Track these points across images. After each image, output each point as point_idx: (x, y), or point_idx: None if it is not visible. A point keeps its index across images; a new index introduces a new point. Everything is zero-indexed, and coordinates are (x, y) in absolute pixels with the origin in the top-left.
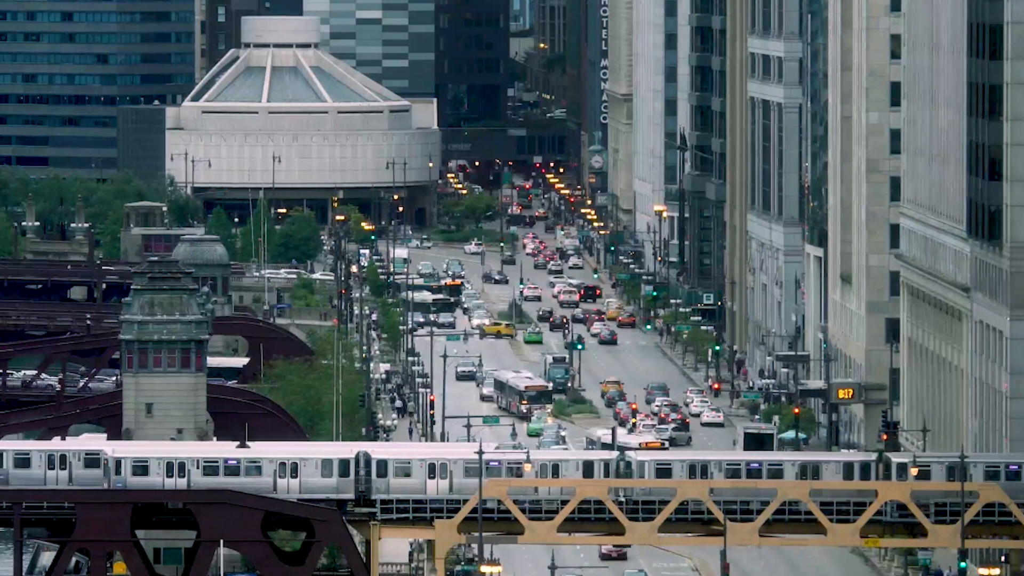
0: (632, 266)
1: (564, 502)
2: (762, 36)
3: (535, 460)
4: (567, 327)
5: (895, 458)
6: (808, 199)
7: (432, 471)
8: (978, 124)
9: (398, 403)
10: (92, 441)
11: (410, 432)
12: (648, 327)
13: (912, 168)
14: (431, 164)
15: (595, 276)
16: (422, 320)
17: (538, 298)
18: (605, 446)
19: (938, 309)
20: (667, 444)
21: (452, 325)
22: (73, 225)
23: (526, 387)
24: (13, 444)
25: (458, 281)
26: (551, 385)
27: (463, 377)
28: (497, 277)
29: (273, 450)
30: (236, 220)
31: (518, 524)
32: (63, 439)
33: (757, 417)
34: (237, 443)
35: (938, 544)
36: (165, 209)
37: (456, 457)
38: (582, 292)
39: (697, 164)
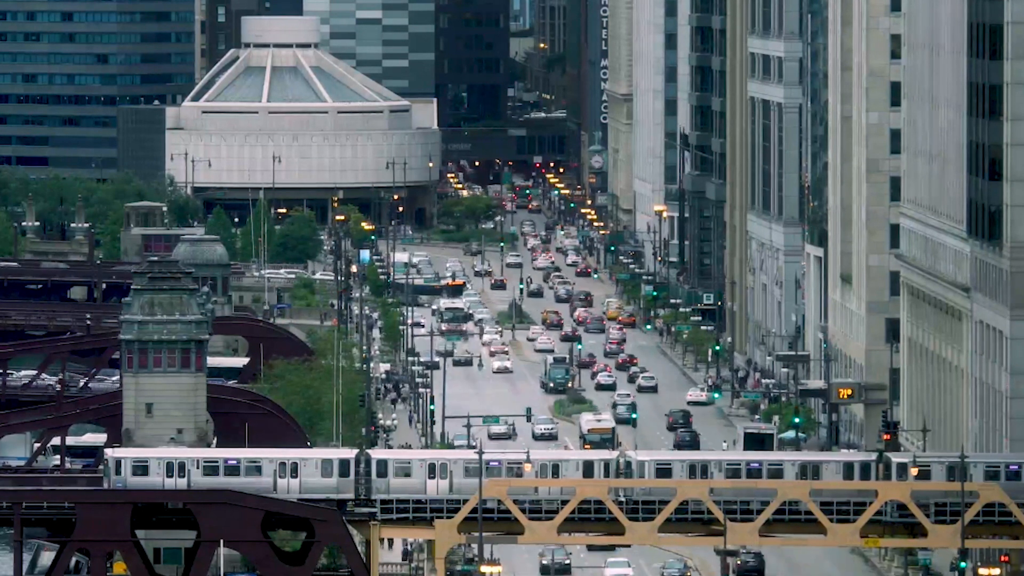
0: (632, 266)
1: (564, 502)
2: (762, 36)
3: (535, 460)
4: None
5: (895, 458)
6: (808, 199)
7: (432, 471)
8: (978, 124)
9: (396, 390)
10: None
11: (410, 420)
12: (648, 327)
13: (912, 168)
14: (431, 164)
15: (595, 276)
16: (440, 334)
17: (520, 264)
18: None
19: (938, 309)
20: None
21: (465, 351)
22: (73, 225)
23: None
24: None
25: (460, 282)
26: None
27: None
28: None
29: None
30: (236, 220)
31: (518, 524)
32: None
33: (757, 417)
34: None
35: (938, 544)
36: (165, 209)
37: (456, 457)
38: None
39: (697, 164)
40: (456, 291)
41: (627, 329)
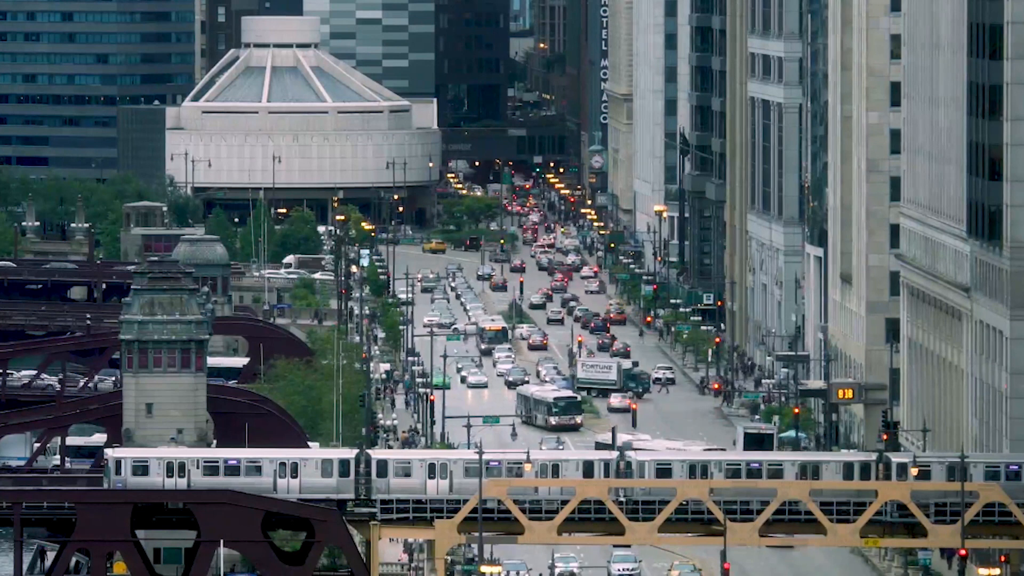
0: (632, 266)
1: (564, 502)
2: (762, 36)
3: (535, 460)
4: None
5: (895, 458)
6: (808, 199)
7: (432, 471)
8: (978, 124)
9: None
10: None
11: (407, 404)
12: (648, 327)
13: (912, 168)
14: (431, 164)
15: (595, 276)
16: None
17: (523, 268)
18: None
19: (938, 309)
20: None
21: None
22: (73, 225)
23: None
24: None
25: (499, 327)
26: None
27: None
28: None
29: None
30: (236, 220)
31: (518, 524)
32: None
33: (757, 417)
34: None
35: (938, 544)
36: (165, 209)
37: (456, 457)
38: (570, 274)
39: (697, 164)
40: (501, 336)
41: (617, 326)
